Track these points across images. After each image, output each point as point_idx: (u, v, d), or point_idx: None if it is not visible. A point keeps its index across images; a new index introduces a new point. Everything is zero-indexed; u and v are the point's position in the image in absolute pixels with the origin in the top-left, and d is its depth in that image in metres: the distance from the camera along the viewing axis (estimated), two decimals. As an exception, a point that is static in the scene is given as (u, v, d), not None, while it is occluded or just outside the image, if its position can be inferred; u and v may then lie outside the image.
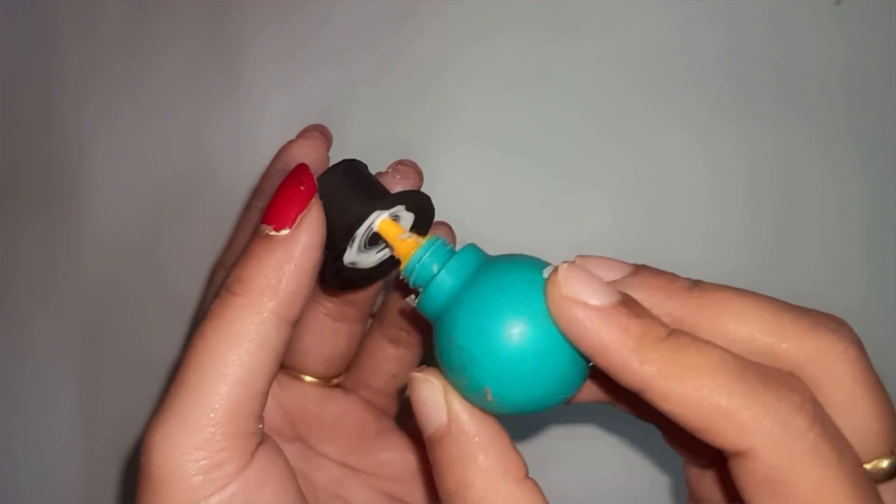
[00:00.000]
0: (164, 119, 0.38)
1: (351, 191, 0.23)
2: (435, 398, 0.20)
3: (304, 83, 0.36)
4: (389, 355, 0.29)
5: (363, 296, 0.27)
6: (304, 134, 0.28)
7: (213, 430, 0.19)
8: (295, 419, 0.28)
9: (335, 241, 0.22)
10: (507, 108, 0.34)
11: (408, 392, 0.21)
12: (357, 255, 0.23)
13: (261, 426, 0.20)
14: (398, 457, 0.28)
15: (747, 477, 0.18)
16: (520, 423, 0.34)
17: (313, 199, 0.21)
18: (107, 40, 0.38)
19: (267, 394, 0.20)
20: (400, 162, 0.27)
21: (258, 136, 0.36)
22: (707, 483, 0.24)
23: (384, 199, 0.22)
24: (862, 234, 0.32)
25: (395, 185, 0.26)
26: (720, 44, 0.32)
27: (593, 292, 0.18)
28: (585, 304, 0.18)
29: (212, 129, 0.37)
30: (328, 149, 0.28)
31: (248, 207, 0.29)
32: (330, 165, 0.23)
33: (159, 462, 0.19)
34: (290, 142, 0.28)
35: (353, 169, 0.23)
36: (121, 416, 0.38)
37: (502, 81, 0.34)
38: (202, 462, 0.19)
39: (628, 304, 0.18)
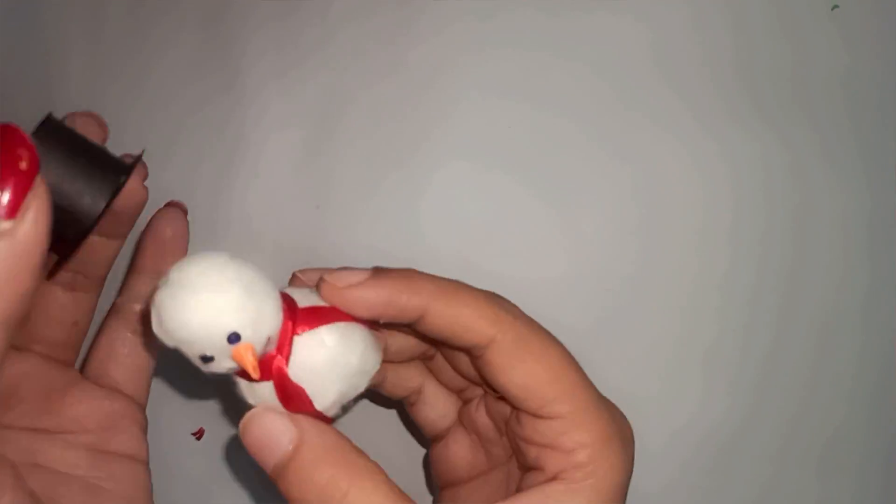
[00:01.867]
0: (163, 119, 0.38)
1: (76, 163, 0.21)
2: (281, 421, 0.21)
3: (300, 91, 0.36)
4: (66, 303, 0.27)
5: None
6: None
7: None
8: None
9: (68, 227, 0.20)
10: (504, 117, 0.33)
11: (243, 434, 0.22)
12: None
13: None
14: (93, 407, 0.28)
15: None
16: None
17: (37, 179, 0.17)
18: (107, 43, 0.38)
19: None
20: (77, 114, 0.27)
21: (254, 137, 0.36)
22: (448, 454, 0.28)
23: (118, 178, 0.21)
24: (863, 236, 0.32)
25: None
26: (715, 46, 0.32)
27: (352, 275, 0.23)
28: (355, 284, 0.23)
29: (209, 130, 0.37)
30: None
31: None
32: (35, 127, 0.21)
33: None
34: None
35: (60, 129, 0.22)
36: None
37: (500, 91, 0.33)
38: None
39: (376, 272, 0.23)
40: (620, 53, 0.32)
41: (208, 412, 0.37)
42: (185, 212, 0.31)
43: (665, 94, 0.32)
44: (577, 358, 0.32)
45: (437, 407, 0.29)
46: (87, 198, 0.21)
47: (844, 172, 0.31)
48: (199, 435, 0.37)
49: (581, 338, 0.32)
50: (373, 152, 0.34)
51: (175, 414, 0.37)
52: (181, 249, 0.31)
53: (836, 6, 0.31)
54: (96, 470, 0.27)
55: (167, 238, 0.30)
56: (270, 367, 0.21)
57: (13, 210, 0.16)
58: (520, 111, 0.33)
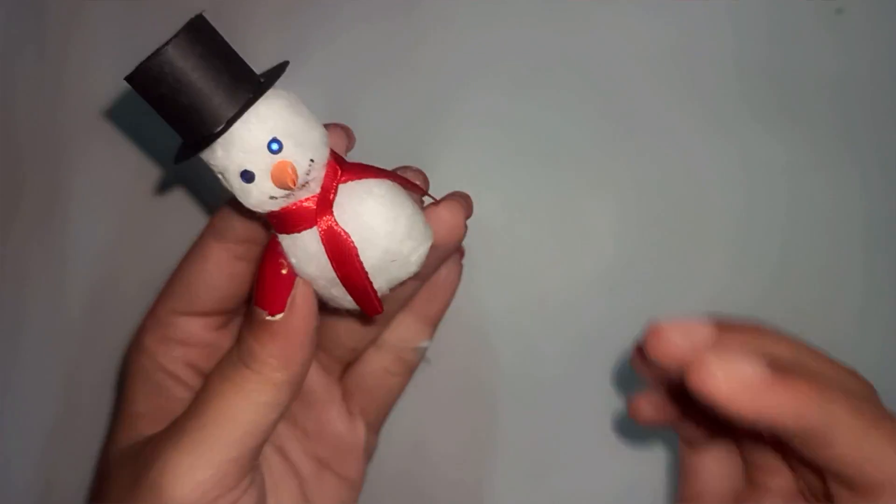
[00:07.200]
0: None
1: (216, 68, 0.20)
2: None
3: (307, 84, 0.35)
4: (353, 328, 0.28)
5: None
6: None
7: (224, 470, 0.23)
8: None
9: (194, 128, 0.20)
10: (516, 105, 0.33)
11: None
12: None
13: (257, 462, 0.25)
14: (339, 431, 0.29)
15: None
16: (524, 428, 0.33)
17: (296, 281, 0.23)
18: (104, 42, 0.37)
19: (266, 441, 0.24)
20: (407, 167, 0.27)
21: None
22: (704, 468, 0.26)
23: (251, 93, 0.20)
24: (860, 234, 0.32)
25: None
26: (722, 47, 0.32)
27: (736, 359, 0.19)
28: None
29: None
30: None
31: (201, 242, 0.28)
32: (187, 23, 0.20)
33: (175, 486, 0.23)
34: None
35: (209, 32, 0.20)
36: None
37: (510, 78, 0.33)
38: (214, 493, 0.23)
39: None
40: (640, 54, 0.33)
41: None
42: (462, 255, 0.31)
43: (678, 94, 0.33)
44: (592, 349, 0.32)
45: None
46: (218, 100, 0.20)
47: (843, 173, 0.32)
48: None
49: (592, 335, 0.32)
50: (380, 142, 0.33)
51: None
52: (450, 294, 0.30)
53: (840, 10, 0.32)
54: (315, 481, 0.29)
55: (440, 281, 0.29)
56: (312, 210, 0.20)
57: (280, 306, 0.22)
58: (532, 97, 0.33)
